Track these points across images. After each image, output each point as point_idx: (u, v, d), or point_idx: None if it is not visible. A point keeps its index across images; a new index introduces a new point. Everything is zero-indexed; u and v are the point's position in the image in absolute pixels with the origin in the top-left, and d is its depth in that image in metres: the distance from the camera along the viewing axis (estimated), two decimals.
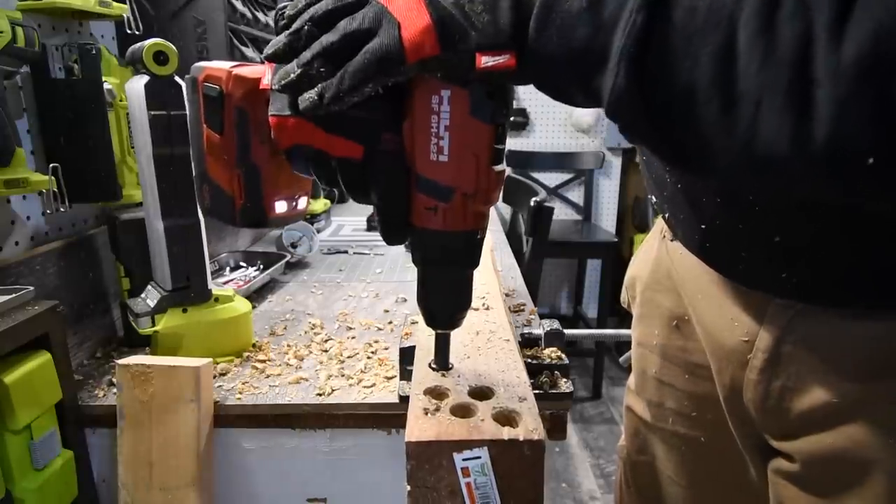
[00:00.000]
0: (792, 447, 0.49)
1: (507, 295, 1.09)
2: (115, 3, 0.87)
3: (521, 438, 0.44)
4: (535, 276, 1.64)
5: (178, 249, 0.80)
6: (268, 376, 0.80)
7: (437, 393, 0.51)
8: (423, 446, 0.44)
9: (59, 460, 0.68)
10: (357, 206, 2.04)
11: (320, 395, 0.74)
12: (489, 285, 0.86)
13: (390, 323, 1.00)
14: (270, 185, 0.49)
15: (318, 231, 1.60)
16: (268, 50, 0.41)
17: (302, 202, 0.52)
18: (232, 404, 0.73)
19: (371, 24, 0.37)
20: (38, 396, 0.65)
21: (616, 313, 2.75)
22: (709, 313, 0.55)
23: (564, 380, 0.71)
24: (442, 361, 0.55)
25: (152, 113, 0.75)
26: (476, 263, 0.47)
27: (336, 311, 1.06)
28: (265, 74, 0.44)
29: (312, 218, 1.65)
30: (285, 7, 0.41)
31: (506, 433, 0.44)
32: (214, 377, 0.78)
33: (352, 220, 1.90)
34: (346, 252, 1.50)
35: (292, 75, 0.39)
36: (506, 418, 0.47)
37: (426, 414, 0.47)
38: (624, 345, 2.23)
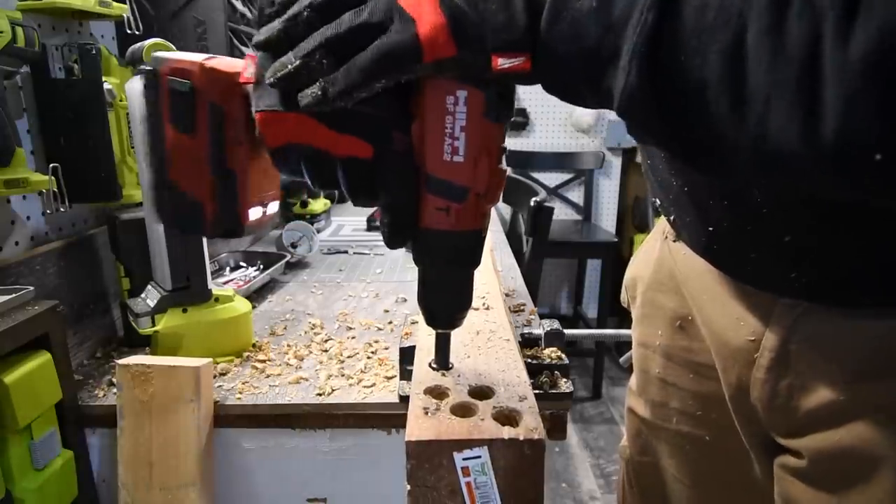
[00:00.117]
0: (799, 444, 0.49)
1: (507, 295, 1.09)
2: (115, 3, 0.87)
3: (522, 438, 0.44)
4: (535, 276, 1.64)
5: (178, 249, 0.80)
6: (268, 376, 0.80)
7: (437, 392, 0.51)
8: (424, 445, 0.44)
9: (59, 460, 0.68)
10: (357, 207, 2.03)
11: (320, 394, 0.74)
12: (489, 285, 0.86)
13: (390, 323, 1.00)
14: (247, 191, 0.45)
15: (318, 231, 1.60)
16: (258, 37, 0.38)
17: (273, 206, 0.49)
18: (232, 404, 0.73)
19: (382, 17, 0.35)
20: (38, 396, 0.65)
21: (616, 313, 2.75)
22: (713, 313, 0.55)
23: (564, 380, 0.71)
24: (442, 361, 0.55)
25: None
26: (478, 263, 0.47)
27: (336, 311, 1.06)
28: (245, 67, 0.41)
29: (312, 218, 1.65)
30: None
31: (506, 432, 0.44)
32: (214, 377, 0.78)
33: (352, 220, 1.90)
34: (346, 252, 1.50)
35: (290, 67, 0.36)
36: (506, 418, 0.47)
37: (426, 413, 0.47)
38: (624, 345, 2.23)
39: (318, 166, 0.41)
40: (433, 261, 0.46)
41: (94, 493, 0.76)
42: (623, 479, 0.75)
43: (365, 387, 0.76)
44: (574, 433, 2.37)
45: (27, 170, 0.74)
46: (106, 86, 0.84)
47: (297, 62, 0.36)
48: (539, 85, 0.37)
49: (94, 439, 0.76)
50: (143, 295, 0.83)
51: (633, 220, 3.04)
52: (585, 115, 2.88)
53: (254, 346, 0.89)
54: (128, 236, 0.86)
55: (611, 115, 2.87)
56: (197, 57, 0.42)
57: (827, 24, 0.26)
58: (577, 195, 3.07)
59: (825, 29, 0.26)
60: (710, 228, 0.51)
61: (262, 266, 1.28)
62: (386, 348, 0.88)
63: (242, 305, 0.87)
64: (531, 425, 0.45)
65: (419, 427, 0.45)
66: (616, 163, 3.04)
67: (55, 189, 0.80)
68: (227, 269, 1.29)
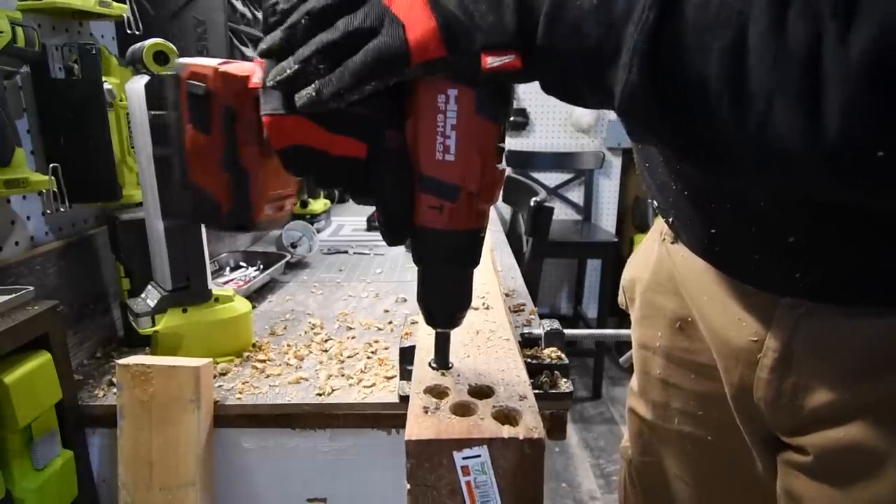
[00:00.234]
0: (804, 441, 0.49)
1: (507, 295, 1.09)
2: (115, 3, 0.87)
3: (521, 437, 0.44)
4: (535, 276, 1.64)
5: (178, 249, 0.80)
6: (268, 376, 0.80)
7: (437, 392, 0.51)
8: (423, 445, 0.44)
9: (59, 460, 0.68)
10: (357, 206, 2.04)
11: (320, 394, 0.74)
12: (489, 285, 0.86)
13: (390, 323, 1.00)
14: (258, 189, 0.47)
15: (318, 231, 1.60)
16: (262, 46, 0.40)
17: (287, 204, 0.51)
18: (232, 404, 0.73)
19: (373, 22, 0.37)
20: (38, 396, 0.65)
21: (616, 313, 2.75)
22: (714, 314, 0.55)
23: (564, 380, 0.71)
24: (442, 360, 0.55)
25: (152, 113, 0.75)
26: (477, 262, 0.47)
27: (336, 311, 1.06)
28: (254, 72, 0.43)
29: (312, 218, 1.65)
30: (277, 2, 0.40)
31: (506, 432, 0.44)
32: (214, 377, 0.78)
33: (352, 220, 1.90)
34: (346, 252, 1.50)
35: (288, 71, 0.38)
36: (506, 417, 0.47)
37: (426, 412, 0.47)
38: (624, 345, 2.24)
39: (318, 166, 0.42)
40: (431, 260, 0.46)
41: (94, 493, 0.76)
42: (625, 479, 0.75)
43: (365, 387, 0.76)
44: (574, 433, 2.37)
45: (27, 170, 0.74)
46: (106, 86, 0.84)
47: (295, 66, 0.38)
48: (539, 85, 0.37)
49: (94, 439, 0.76)
50: (143, 295, 0.83)
51: (633, 220, 3.04)
52: (585, 115, 2.88)
53: (254, 346, 0.89)
54: (128, 236, 0.86)
55: (611, 115, 2.87)
56: (213, 61, 0.45)
57: (827, 22, 0.26)
58: (577, 195, 3.07)
59: (825, 28, 0.26)
60: (713, 231, 0.51)
61: (262, 266, 1.28)
62: (386, 348, 0.88)
63: (242, 305, 0.87)
64: (531, 425, 0.45)
65: (419, 426, 0.45)
66: (616, 163, 3.04)
67: (55, 189, 0.80)
68: (227, 269, 1.30)
